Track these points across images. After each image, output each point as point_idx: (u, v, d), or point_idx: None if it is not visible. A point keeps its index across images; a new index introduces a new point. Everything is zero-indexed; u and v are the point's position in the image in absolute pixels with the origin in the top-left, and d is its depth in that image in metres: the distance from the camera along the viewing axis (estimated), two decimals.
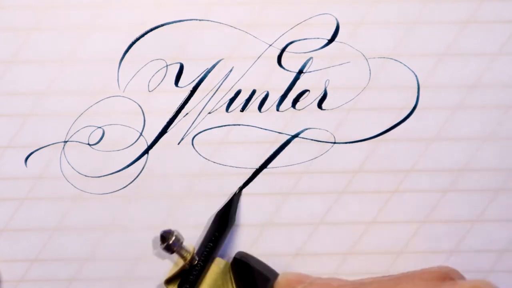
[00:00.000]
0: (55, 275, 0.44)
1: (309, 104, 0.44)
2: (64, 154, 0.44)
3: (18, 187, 0.44)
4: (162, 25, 0.44)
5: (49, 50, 0.43)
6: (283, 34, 0.43)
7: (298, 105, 0.44)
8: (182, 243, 0.40)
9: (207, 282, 0.40)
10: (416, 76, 0.44)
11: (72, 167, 0.44)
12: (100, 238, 0.44)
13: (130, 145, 0.44)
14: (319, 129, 0.44)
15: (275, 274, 0.40)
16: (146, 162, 0.44)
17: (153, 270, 0.44)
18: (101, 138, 0.44)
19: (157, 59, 0.44)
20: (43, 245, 0.44)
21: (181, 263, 0.40)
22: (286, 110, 0.44)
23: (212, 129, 0.44)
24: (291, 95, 0.44)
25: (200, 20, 0.44)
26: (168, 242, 0.40)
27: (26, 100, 0.43)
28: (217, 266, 0.40)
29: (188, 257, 0.40)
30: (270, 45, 0.44)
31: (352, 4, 0.43)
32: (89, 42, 0.43)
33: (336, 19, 0.44)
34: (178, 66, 0.44)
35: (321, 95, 0.44)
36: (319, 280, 0.37)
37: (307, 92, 0.44)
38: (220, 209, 0.43)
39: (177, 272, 0.40)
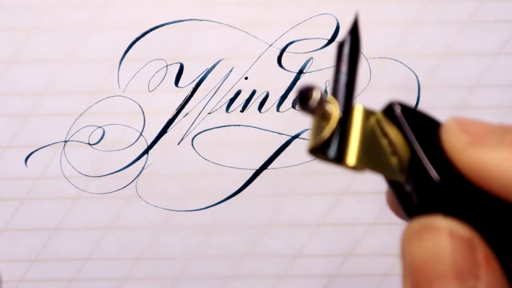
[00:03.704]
0: (55, 275, 0.44)
1: None
2: (64, 154, 0.44)
3: (18, 187, 0.44)
4: (162, 25, 0.44)
5: (49, 50, 0.43)
6: (283, 34, 0.43)
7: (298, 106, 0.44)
8: (325, 100, 0.29)
9: (357, 141, 0.29)
10: (416, 76, 0.44)
11: (72, 167, 0.44)
12: (100, 238, 0.44)
13: (130, 145, 0.44)
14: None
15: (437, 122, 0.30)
16: (146, 162, 0.44)
17: (153, 270, 0.44)
18: (101, 138, 0.44)
19: (157, 59, 0.44)
20: (43, 245, 0.44)
21: (320, 124, 0.30)
22: (286, 110, 0.44)
23: (212, 129, 0.44)
24: (291, 96, 0.44)
25: (200, 20, 0.44)
26: (311, 102, 0.28)
27: (26, 100, 0.43)
28: (361, 117, 0.30)
29: (335, 114, 0.29)
30: (270, 45, 0.44)
31: (352, 4, 0.43)
32: (89, 42, 0.43)
33: (336, 19, 0.43)
34: (178, 66, 0.44)
35: None
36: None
37: None
38: (344, 39, 0.34)
39: (328, 136, 0.29)
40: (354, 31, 0.31)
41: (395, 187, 0.29)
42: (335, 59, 0.30)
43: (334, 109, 0.28)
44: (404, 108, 0.29)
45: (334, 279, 0.44)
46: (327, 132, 0.29)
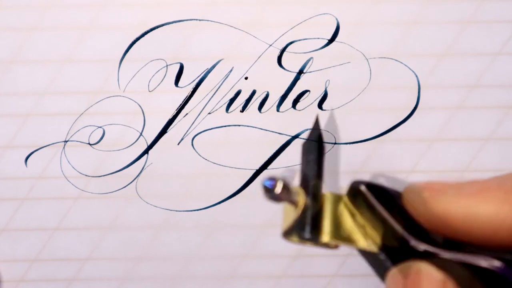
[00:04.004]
0: (55, 275, 0.44)
1: (309, 105, 0.44)
2: (65, 154, 0.44)
3: (18, 187, 0.44)
4: (162, 25, 0.44)
5: (49, 50, 0.43)
6: (283, 34, 0.43)
7: (298, 106, 0.44)
8: (290, 188, 0.33)
9: (328, 222, 0.33)
10: (416, 76, 0.44)
11: (73, 167, 0.44)
12: (100, 238, 0.44)
13: (130, 145, 0.44)
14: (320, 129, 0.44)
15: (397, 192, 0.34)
16: (146, 162, 0.44)
17: (153, 270, 0.44)
18: (101, 138, 0.44)
19: (157, 59, 0.44)
20: (43, 245, 0.44)
21: (291, 210, 0.34)
22: (286, 110, 0.44)
23: (212, 130, 0.44)
24: (291, 96, 0.44)
25: (200, 20, 0.44)
26: (276, 191, 0.32)
27: (26, 100, 0.43)
28: (329, 201, 0.34)
29: (302, 201, 0.33)
30: (270, 45, 0.44)
31: (352, 4, 0.43)
32: (89, 42, 0.43)
33: (336, 19, 0.43)
34: (178, 66, 0.44)
35: (322, 95, 0.44)
36: (467, 183, 0.31)
37: (308, 93, 0.44)
38: (310, 134, 0.38)
39: (297, 219, 0.33)
40: (317, 127, 0.38)
41: (367, 255, 0.33)
42: (302, 154, 0.36)
43: (301, 197, 0.33)
44: (367, 185, 0.33)
45: (334, 279, 0.44)
46: (285, 220, 0.34)
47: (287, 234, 0.34)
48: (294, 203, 0.33)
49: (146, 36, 0.43)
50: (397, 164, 0.44)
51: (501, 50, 0.44)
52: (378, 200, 0.32)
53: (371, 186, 0.33)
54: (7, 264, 0.44)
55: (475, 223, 0.27)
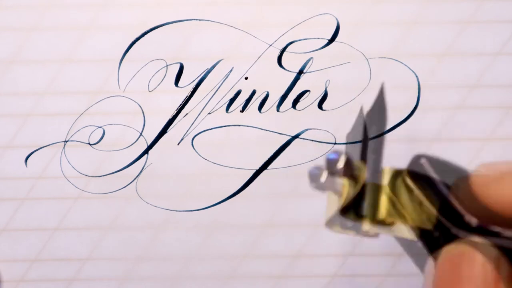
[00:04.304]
0: (55, 275, 0.44)
1: (309, 105, 0.44)
2: (64, 154, 0.44)
3: (18, 187, 0.44)
4: (162, 25, 0.44)
5: (49, 50, 0.43)
6: (283, 34, 0.43)
7: (298, 106, 0.44)
8: (352, 162, 0.32)
9: (385, 195, 0.32)
10: (416, 76, 0.44)
11: (73, 167, 0.44)
12: (100, 238, 0.44)
13: (130, 145, 0.44)
14: (320, 129, 0.44)
15: (460, 169, 0.32)
16: (146, 162, 0.44)
17: (153, 270, 0.44)
18: (101, 138, 0.44)
19: (157, 59, 0.44)
20: (43, 245, 0.44)
21: (334, 199, 0.34)
22: (286, 110, 0.44)
23: (212, 130, 0.44)
24: (291, 96, 0.44)
25: (200, 20, 0.44)
26: (339, 165, 0.32)
27: (26, 100, 0.43)
28: (388, 175, 0.33)
29: (362, 176, 0.32)
30: (270, 45, 0.43)
31: (352, 4, 0.43)
32: (89, 42, 0.43)
33: (336, 19, 0.43)
34: (178, 66, 0.44)
35: (322, 95, 0.44)
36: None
37: (308, 93, 0.44)
38: (374, 105, 0.36)
39: (355, 195, 0.32)
40: (381, 98, 0.35)
41: (421, 234, 0.31)
42: (363, 126, 0.35)
43: (362, 172, 0.32)
44: (428, 159, 0.31)
45: (334, 279, 0.44)
46: (355, 193, 0.32)
47: (344, 210, 0.32)
48: (354, 178, 0.32)
49: (146, 36, 0.43)
50: (396, 164, 0.44)
51: (501, 50, 0.44)
52: (440, 175, 0.31)
53: (432, 160, 0.32)
54: (7, 264, 0.44)
55: None
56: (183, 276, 0.44)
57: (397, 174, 0.32)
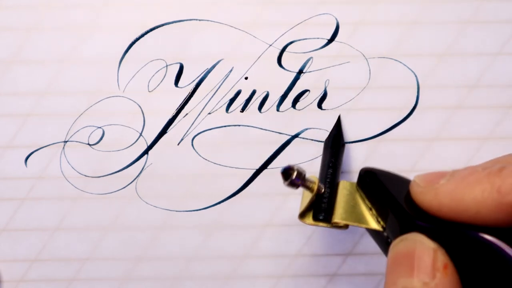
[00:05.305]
0: (55, 275, 0.44)
1: (309, 104, 0.44)
2: (64, 154, 0.44)
3: (18, 187, 0.44)
4: (162, 25, 0.44)
5: (49, 50, 0.43)
6: (283, 34, 0.43)
7: (298, 105, 0.44)
8: (305, 175, 0.38)
9: (341, 206, 0.38)
10: (416, 76, 0.44)
11: (72, 167, 0.44)
12: (100, 238, 0.44)
13: (130, 145, 0.44)
14: (319, 129, 0.44)
15: (406, 180, 0.38)
16: (146, 162, 0.44)
17: (153, 270, 0.44)
18: (101, 138, 0.44)
19: (157, 59, 0.44)
20: (43, 245, 0.44)
21: (308, 196, 0.39)
22: (286, 110, 0.44)
23: (212, 130, 0.44)
24: (291, 95, 0.44)
25: (200, 20, 0.44)
26: (292, 177, 0.37)
27: (26, 100, 0.43)
28: (344, 188, 0.39)
29: (315, 187, 0.39)
30: (270, 45, 0.44)
31: (352, 4, 0.43)
32: (89, 42, 0.43)
33: (336, 19, 0.44)
34: (178, 66, 0.44)
35: (321, 95, 0.44)
36: (459, 170, 0.35)
37: (307, 92, 0.44)
38: (329, 134, 0.43)
39: (308, 204, 0.39)
40: (338, 128, 0.43)
41: (374, 234, 0.37)
42: (323, 147, 0.42)
43: (314, 186, 0.38)
44: (367, 176, 0.37)
45: (334, 279, 0.44)
46: (302, 204, 0.39)
47: (302, 215, 0.39)
48: (309, 189, 0.39)
49: (146, 36, 0.43)
50: (396, 164, 0.44)
51: (501, 50, 0.44)
52: (387, 185, 0.37)
53: (369, 177, 0.37)
54: (7, 264, 0.44)
55: (461, 205, 0.31)
56: (183, 276, 0.44)
57: (352, 187, 0.38)
